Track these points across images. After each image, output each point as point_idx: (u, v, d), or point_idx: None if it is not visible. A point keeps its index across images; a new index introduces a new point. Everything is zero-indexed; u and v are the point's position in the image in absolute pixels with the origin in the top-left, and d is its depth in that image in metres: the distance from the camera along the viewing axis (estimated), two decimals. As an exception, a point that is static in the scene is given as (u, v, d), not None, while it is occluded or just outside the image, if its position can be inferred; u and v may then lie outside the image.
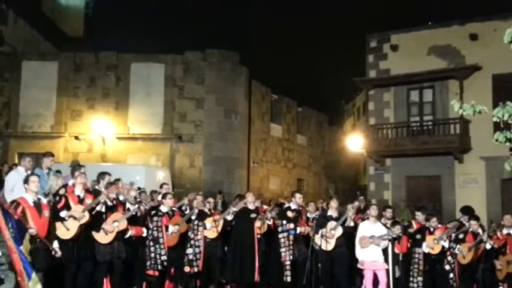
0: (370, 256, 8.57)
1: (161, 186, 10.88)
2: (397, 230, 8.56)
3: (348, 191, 26.16)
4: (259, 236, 8.91)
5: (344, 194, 26.00)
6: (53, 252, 6.75)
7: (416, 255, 8.63)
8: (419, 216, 9.10)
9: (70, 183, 8.03)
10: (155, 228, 8.60)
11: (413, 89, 19.26)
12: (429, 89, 18.94)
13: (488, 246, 7.77)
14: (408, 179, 18.90)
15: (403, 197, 18.52)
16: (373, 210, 8.96)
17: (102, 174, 8.41)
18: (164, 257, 8.55)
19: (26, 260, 6.20)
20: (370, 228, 8.72)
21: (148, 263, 8.43)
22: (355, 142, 23.33)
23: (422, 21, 20.00)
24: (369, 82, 19.97)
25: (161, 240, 8.60)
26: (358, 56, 21.54)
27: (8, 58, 20.27)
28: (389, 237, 8.49)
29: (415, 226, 9.24)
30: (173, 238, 8.89)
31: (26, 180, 6.80)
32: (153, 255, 8.42)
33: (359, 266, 8.76)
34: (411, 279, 8.55)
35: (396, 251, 8.66)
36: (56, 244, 6.82)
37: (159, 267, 8.50)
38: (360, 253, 8.69)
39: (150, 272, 8.42)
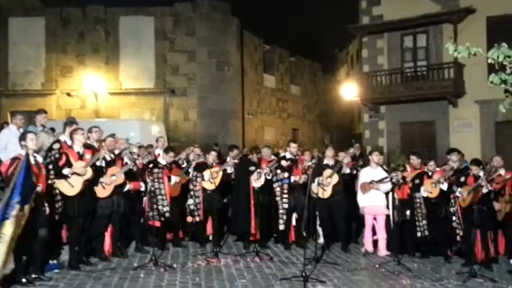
0: (371, 201, 8.70)
1: (157, 140, 10.91)
2: (396, 175, 8.62)
3: (343, 140, 26.27)
4: (257, 189, 8.96)
5: (339, 143, 26.15)
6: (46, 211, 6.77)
7: (418, 200, 8.72)
8: (414, 160, 9.15)
9: (62, 139, 8.00)
10: (156, 180, 8.65)
11: (406, 34, 19.05)
12: (423, 34, 18.75)
13: (485, 190, 7.86)
14: (403, 125, 18.97)
15: (398, 143, 18.66)
16: (375, 157, 9.02)
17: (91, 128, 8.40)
18: (167, 208, 8.66)
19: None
20: (371, 174, 8.82)
21: (150, 214, 8.52)
22: (349, 90, 23.27)
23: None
24: (362, 29, 19.71)
25: (163, 192, 8.68)
26: (350, 2, 21.18)
27: (-6, 15, 19.81)
28: (389, 181, 8.57)
29: (409, 170, 9.32)
30: (175, 189, 8.98)
31: (22, 138, 6.72)
32: (154, 206, 8.51)
33: (360, 211, 8.90)
34: (416, 223, 8.67)
35: (396, 196, 8.76)
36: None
37: (162, 218, 8.60)
38: (361, 199, 8.81)
39: (151, 223, 8.53)
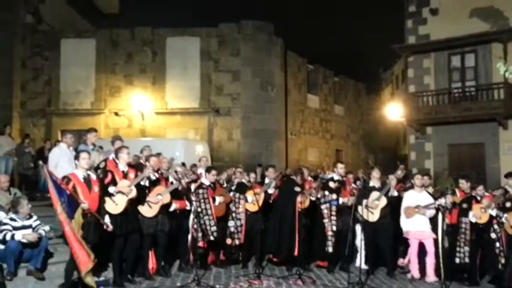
0: (416, 226, 8.45)
1: (200, 160, 10.98)
2: (445, 200, 8.36)
3: (387, 161, 25.82)
4: (300, 211, 8.87)
5: (383, 164, 25.69)
6: (105, 227, 6.93)
7: (463, 225, 8.42)
8: (464, 184, 8.86)
9: (110, 157, 8.16)
10: (202, 200, 8.67)
11: (454, 54, 18.70)
12: (471, 54, 18.36)
13: None
14: (450, 147, 18.50)
15: (445, 165, 18.17)
16: (417, 180, 8.79)
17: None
18: (214, 228, 8.64)
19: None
20: (415, 198, 8.58)
21: (199, 235, 8.53)
22: (394, 111, 22.90)
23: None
24: (408, 48, 19.46)
25: (209, 212, 8.69)
26: (396, 22, 20.98)
27: (47, 37, 20.57)
28: (435, 206, 8.32)
29: (458, 195, 9.04)
30: (221, 208, 9.00)
31: (76, 157, 6.94)
32: (203, 227, 8.52)
33: (404, 235, 8.65)
34: (458, 249, 8.38)
35: (447, 221, 8.48)
36: (107, 219, 6.99)
37: (211, 238, 8.60)
38: (405, 223, 8.57)
39: (201, 244, 8.54)
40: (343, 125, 27.48)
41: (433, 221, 8.48)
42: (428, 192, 8.85)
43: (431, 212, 8.42)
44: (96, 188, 6.95)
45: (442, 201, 8.37)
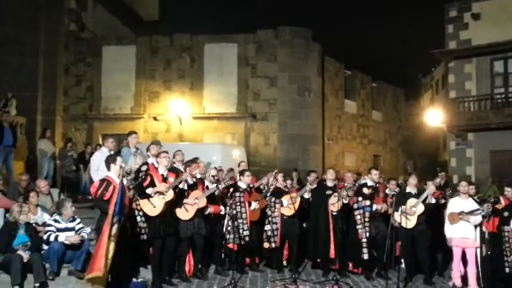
0: (460, 233, 8.24)
1: (239, 165, 11.10)
2: (487, 207, 8.17)
3: (426, 167, 25.40)
4: (335, 213, 8.84)
5: (422, 170, 25.28)
6: (138, 230, 7.06)
7: (506, 234, 8.18)
8: (509, 191, 8.62)
9: (150, 161, 8.32)
10: (238, 204, 8.76)
11: (497, 59, 18.33)
12: (515, 59, 17.90)
13: None
14: (493, 154, 18.08)
15: (488, 172, 17.75)
16: (462, 187, 8.58)
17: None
18: (246, 232, 8.72)
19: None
20: (461, 205, 8.36)
21: (230, 237, 8.61)
22: (434, 117, 22.50)
23: (507, -14, 18.74)
24: (448, 54, 19.17)
25: (244, 215, 8.77)
26: (436, 27, 20.68)
27: (89, 44, 21.12)
28: (481, 213, 8.11)
29: (503, 202, 8.80)
30: (255, 213, 9.04)
31: (112, 161, 7.04)
32: (236, 229, 8.58)
33: (447, 243, 8.48)
34: (505, 258, 8.13)
35: (484, 229, 8.28)
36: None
37: (241, 241, 8.66)
38: (449, 230, 8.40)
39: (230, 246, 8.61)
40: (381, 130, 27.15)
41: (475, 229, 8.28)
42: (474, 200, 8.64)
43: (477, 219, 8.18)
44: (128, 192, 7.09)
45: (483, 208, 8.17)
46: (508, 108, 17.29)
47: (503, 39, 17.26)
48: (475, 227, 8.29)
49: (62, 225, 7.74)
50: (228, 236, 8.67)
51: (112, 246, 6.30)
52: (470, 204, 8.35)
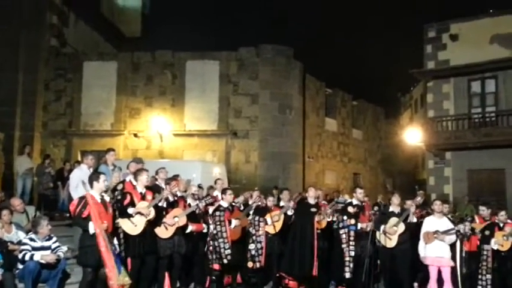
0: (435, 252, 8.29)
1: (215, 182, 10.97)
2: (464, 226, 8.25)
3: (405, 186, 25.56)
4: (318, 231, 8.85)
5: (402, 189, 25.45)
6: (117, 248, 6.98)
7: (485, 252, 8.26)
8: (484, 211, 8.73)
9: (127, 179, 8.25)
10: (218, 223, 8.68)
11: (474, 79, 18.67)
12: (491, 79, 18.31)
13: None
14: (470, 173, 18.33)
15: (465, 191, 17.97)
16: (436, 206, 8.65)
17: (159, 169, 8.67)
18: (228, 251, 8.64)
19: (118, 255, 6.47)
20: (435, 224, 8.42)
21: (213, 257, 8.53)
22: (413, 135, 22.79)
23: (484, 8, 19.25)
24: (427, 74, 19.49)
25: (225, 235, 8.69)
26: (415, 47, 21.03)
27: (70, 59, 20.99)
28: (455, 232, 8.18)
29: (477, 221, 8.90)
30: (236, 232, 8.99)
31: (95, 178, 7.00)
32: (217, 249, 8.52)
33: (422, 261, 8.50)
34: (480, 277, 8.21)
35: (464, 248, 8.34)
36: (115, 241, 7.03)
37: (224, 261, 8.59)
38: (423, 249, 8.45)
39: (216, 267, 8.53)
40: (361, 148, 27.37)
41: (452, 248, 8.34)
42: (449, 218, 8.70)
43: (451, 238, 8.25)
44: (110, 210, 7.02)
45: (461, 227, 8.25)
46: (485, 128, 17.58)
47: (480, 60, 17.62)
48: (451, 246, 8.34)
49: (38, 243, 7.60)
50: (210, 257, 8.60)
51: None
52: (445, 223, 8.42)
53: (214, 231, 8.59)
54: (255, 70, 20.11)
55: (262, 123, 19.85)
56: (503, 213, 8.54)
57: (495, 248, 8.15)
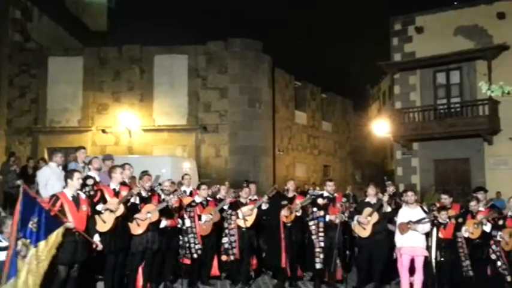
0: (409, 242, 8.39)
1: (183, 177, 10.87)
2: (431, 215, 8.38)
3: (374, 177, 25.93)
4: (289, 224, 8.89)
5: (371, 180, 25.73)
6: (94, 246, 6.89)
7: (459, 239, 8.43)
8: (446, 199, 8.89)
9: (92, 175, 8.17)
10: (189, 218, 8.68)
11: (439, 71, 18.99)
12: (456, 71, 18.65)
13: None
14: (436, 163, 18.69)
15: (431, 181, 18.33)
16: (408, 196, 8.74)
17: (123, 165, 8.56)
18: (198, 246, 8.62)
19: (15, 262, 6.20)
20: (408, 214, 8.52)
21: (182, 252, 8.52)
22: (381, 127, 23.11)
23: (448, 1, 19.59)
24: (394, 66, 19.74)
25: (194, 230, 8.68)
26: (382, 40, 21.29)
27: (35, 55, 20.56)
28: (428, 221, 8.30)
29: (452, 209, 9.02)
30: (206, 227, 8.97)
31: (69, 176, 6.91)
32: (187, 244, 8.50)
33: (396, 251, 8.63)
34: (460, 263, 8.37)
35: (441, 236, 8.45)
36: (96, 237, 6.95)
37: (194, 255, 8.57)
38: (399, 239, 8.56)
39: (185, 261, 8.51)
40: (330, 141, 27.63)
41: (427, 237, 8.45)
42: (423, 209, 8.83)
43: (425, 227, 8.34)
44: (84, 207, 6.91)
45: (434, 215, 8.36)
46: (450, 119, 17.94)
47: (445, 52, 17.95)
48: (427, 235, 8.46)
49: (3, 243, 7.43)
50: (180, 252, 8.57)
51: (25, 268, 6.08)
52: (418, 213, 8.54)
53: (184, 227, 8.57)
54: (224, 64, 20.07)
55: (231, 117, 19.85)
56: (474, 202, 8.66)
57: (466, 235, 8.30)
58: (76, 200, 6.82)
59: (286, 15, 45.32)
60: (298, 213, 8.97)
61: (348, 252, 9.34)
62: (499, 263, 8.09)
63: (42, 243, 6.27)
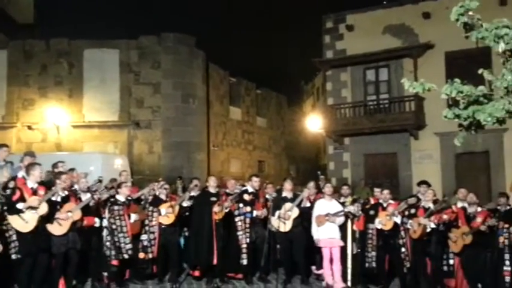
0: (326, 233, 8.65)
1: (120, 174, 10.68)
2: (356, 207, 8.64)
3: (308, 171, 26.40)
4: (217, 221, 8.87)
5: (305, 174, 26.25)
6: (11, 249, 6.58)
7: (370, 231, 8.74)
8: (379, 193, 9.17)
9: (19, 175, 7.80)
10: (117, 217, 8.40)
11: (369, 68, 19.49)
12: (385, 68, 19.20)
13: (428, 229, 8.02)
14: (366, 157, 19.20)
15: (362, 174, 18.82)
16: (327, 188, 9.02)
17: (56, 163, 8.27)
18: (129, 245, 8.42)
19: None
20: (326, 206, 8.78)
21: (112, 253, 8.25)
22: (314, 122, 23.52)
23: (377, 0, 20.15)
24: (326, 63, 20.08)
25: (125, 229, 8.45)
26: (315, 37, 21.62)
27: (-47, 47, 19.43)
28: (344, 214, 8.57)
29: (372, 202, 9.34)
30: (136, 226, 8.80)
31: None
32: (117, 244, 8.27)
33: (315, 244, 8.82)
34: (366, 254, 8.69)
35: (355, 228, 8.75)
36: None
37: (125, 256, 8.36)
38: (316, 231, 8.76)
39: (115, 262, 8.26)
40: (265, 136, 27.85)
41: (343, 228, 8.73)
42: (338, 201, 9.08)
43: (341, 220, 8.65)
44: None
45: (351, 208, 8.64)
46: (379, 114, 18.47)
47: (374, 50, 18.47)
48: (340, 227, 8.73)
49: None
50: (108, 253, 8.30)
51: None
52: (335, 206, 8.80)
53: (113, 226, 8.32)
54: (156, 59, 19.76)
55: (165, 113, 19.58)
56: (386, 191, 8.93)
57: (379, 227, 8.59)
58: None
59: (220, 11, 45.21)
60: (226, 210, 8.93)
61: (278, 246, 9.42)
62: (403, 249, 8.44)
63: None
